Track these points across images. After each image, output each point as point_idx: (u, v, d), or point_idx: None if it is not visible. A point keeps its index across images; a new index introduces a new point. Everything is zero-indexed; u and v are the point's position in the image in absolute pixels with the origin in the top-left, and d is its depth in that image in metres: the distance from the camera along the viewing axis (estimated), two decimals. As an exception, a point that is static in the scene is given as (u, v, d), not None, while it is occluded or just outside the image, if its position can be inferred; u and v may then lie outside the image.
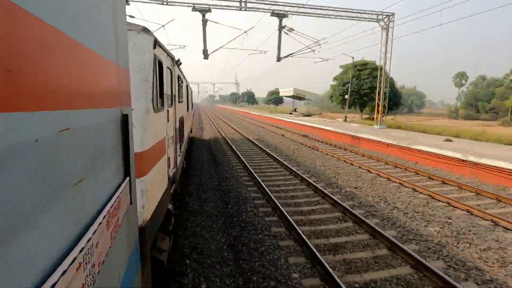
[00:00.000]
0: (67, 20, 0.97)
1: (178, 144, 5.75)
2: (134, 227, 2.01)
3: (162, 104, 3.73)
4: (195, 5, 17.43)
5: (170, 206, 4.46)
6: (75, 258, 0.88)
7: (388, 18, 19.57)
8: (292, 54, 20.89)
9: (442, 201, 7.29)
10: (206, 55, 19.34)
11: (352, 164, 11.48)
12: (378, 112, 21.50)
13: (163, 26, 19.30)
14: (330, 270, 4.07)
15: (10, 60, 0.66)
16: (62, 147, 0.91)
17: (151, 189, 3.05)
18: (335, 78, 33.98)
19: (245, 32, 19.03)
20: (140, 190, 2.74)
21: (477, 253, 4.92)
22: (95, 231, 1.07)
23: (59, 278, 0.78)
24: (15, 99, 0.68)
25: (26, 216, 0.71)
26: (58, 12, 0.91)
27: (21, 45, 0.71)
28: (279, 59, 20.28)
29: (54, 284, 0.75)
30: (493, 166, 9.16)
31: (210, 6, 17.41)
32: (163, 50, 3.90)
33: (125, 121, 1.67)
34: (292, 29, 18.96)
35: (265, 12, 18.19)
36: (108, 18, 1.46)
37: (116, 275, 1.41)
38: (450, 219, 6.25)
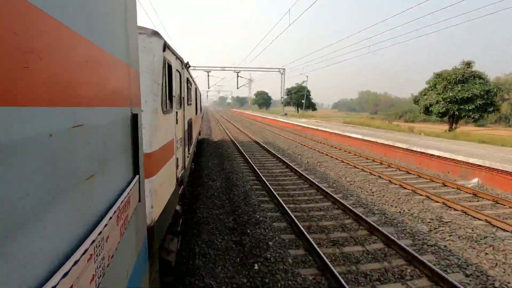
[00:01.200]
0: (82, 21, 1.01)
1: (187, 146, 5.81)
2: (143, 226, 2.04)
3: (171, 106, 3.79)
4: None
5: (178, 207, 4.50)
6: (86, 250, 0.91)
7: None
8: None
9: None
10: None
11: None
12: None
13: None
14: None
15: (28, 57, 0.69)
16: (75, 143, 0.94)
17: (160, 189, 3.08)
18: None
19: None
20: (149, 190, 2.78)
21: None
22: (106, 224, 1.10)
23: (71, 267, 0.81)
24: (31, 94, 0.71)
25: (39, 208, 0.74)
26: (73, 13, 0.95)
27: (38, 44, 0.75)
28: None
29: (66, 273, 0.78)
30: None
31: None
32: (173, 53, 3.97)
33: (134, 120, 1.71)
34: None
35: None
36: (120, 21, 1.51)
37: (125, 270, 1.44)
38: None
